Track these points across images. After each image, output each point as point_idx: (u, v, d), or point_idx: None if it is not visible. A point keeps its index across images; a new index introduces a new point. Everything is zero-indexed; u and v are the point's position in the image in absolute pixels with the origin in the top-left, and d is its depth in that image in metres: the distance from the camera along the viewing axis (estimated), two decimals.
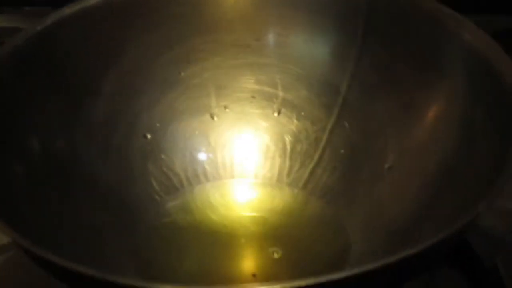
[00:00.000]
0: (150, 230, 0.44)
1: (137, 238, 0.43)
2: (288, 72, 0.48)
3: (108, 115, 0.46)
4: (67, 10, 0.45)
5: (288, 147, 0.48)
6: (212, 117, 0.48)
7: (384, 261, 0.30)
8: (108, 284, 0.30)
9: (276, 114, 0.48)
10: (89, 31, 0.46)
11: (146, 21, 0.47)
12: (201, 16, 0.48)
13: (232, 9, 0.48)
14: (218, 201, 0.46)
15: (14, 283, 0.44)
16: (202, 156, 0.48)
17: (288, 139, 0.48)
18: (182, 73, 0.48)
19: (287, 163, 0.48)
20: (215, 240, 0.44)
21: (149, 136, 0.47)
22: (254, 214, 0.46)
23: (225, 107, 0.49)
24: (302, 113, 0.48)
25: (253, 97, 0.49)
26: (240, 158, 0.48)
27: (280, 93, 0.48)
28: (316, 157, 0.47)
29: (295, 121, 0.48)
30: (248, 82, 0.49)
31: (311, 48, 0.48)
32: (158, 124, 0.47)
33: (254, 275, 0.42)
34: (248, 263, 0.43)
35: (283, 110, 0.48)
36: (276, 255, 0.43)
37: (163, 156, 0.47)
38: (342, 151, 0.47)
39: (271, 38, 0.48)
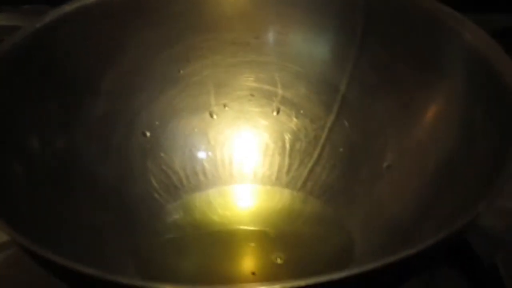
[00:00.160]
0: (150, 230, 0.44)
1: (137, 238, 0.43)
2: (287, 70, 0.48)
3: (108, 113, 0.46)
4: (67, 8, 0.45)
5: (287, 145, 0.48)
6: (212, 115, 0.48)
7: (384, 261, 0.30)
8: (108, 284, 0.30)
9: (275, 113, 0.48)
10: (88, 29, 0.45)
11: (146, 19, 0.47)
12: (201, 14, 0.48)
13: (232, 7, 0.48)
14: (217, 200, 0.46)
15: (14, 282, 0.44)
16: (201, 154, 0.48)
17: (287, 137, 0.48)
18: (182, 71, 0.48)
19: (287, 161, 0.48)
20: (215, 240, 0.44)
21: (148, 134, 0.47)
22: (253, 213, 0.46)
23: (225, 105, 0.48)
24: (301, 111, 0.48)
25: (252, 95, 0.49)
26: (239, 156, 0.48)
27: (280, 91, 0.48)
28: (315, 155, 0.47)
29: (294, 119, 0.48)
30: (248, 80, 0.49)
31: (310, 46, 0.48)
32: (157, 122, 0.47)
33: (253, 273, 0.42)
34: (247, 262, 0.43)
35: (282, 108, 0.48)
36: (275, 254, 0.43)
37: (162, 154, 0.47)
38: (341, 149, 0.47)
39: (270, 36, 0.48)
